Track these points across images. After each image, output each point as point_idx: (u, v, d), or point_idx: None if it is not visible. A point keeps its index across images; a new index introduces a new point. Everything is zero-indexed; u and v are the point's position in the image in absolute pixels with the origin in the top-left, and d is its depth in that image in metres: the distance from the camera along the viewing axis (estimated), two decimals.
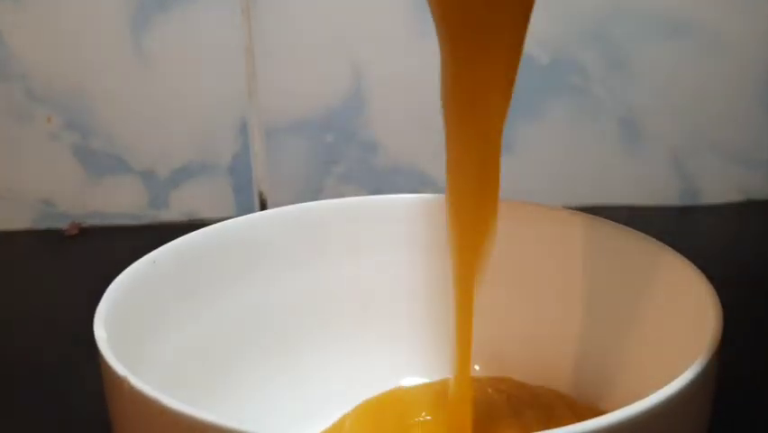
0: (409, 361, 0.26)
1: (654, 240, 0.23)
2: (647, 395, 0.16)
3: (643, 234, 0.23)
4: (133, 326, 0.21)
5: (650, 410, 0.16)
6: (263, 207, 0.40)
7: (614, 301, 0.23)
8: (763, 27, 0.38)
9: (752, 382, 0.27)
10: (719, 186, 0.40)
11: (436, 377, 0.25)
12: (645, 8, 0.38)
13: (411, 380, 0.26)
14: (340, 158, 0.40)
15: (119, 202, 0.40)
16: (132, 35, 0.38)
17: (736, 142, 0.40)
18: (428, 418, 0.23)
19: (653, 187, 0.40)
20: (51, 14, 0.37)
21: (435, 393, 0.24)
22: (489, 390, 0.24)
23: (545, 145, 0.40)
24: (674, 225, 0.38)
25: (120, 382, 0.17)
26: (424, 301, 0.26)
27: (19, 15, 0.37)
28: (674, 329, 0.21)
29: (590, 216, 0.24)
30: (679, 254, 0.22)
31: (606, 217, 0.24)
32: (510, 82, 0.20)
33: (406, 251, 0.26)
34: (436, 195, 0.26)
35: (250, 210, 0.40)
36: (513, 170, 0.40)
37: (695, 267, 0.21)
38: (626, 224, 0.24)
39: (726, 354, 0.18)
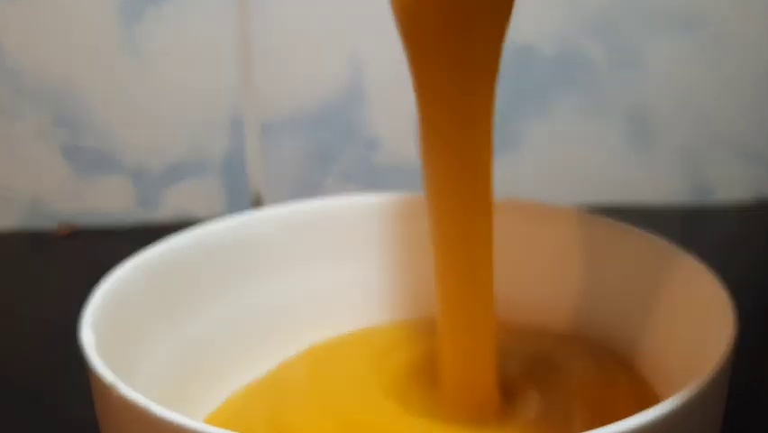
0: None
1: (666, 241, 0.22)
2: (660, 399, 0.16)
3: (654, 236, 0.23)
4: (123, 329, 0.21)
5: (664, 416, 0.15)
6: (258, 205, 0.40)
7: (624, 304, 0.23)
8: None
9: (765, 381, 0.26)
10: (731, 184, 0.40)
11: None
12: (655, 1, 0.38)
13: None
14: (338, 155, 0.39)
15: (109, 201, 0.40)
16: (123, 30, 0.38)
17: (748, 139, 0.40)
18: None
19: (663, 185, 0.40)
20: (40, 10, 0.37)
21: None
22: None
23: (551, 142, 0.40)
24: (685, 225, 0.38)
25: (108, 389, 0.17)
26: (424, 301, 0.25)
27: (7, 11, 0.37)
28: (687, 332, 0.21)
29: (598, 215, 0.24)
30: (691, 256, 0.21)
31: (614, 217, 0.24)
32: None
33: (406, 250, 0.26)
34: None
35: (244, 209, 0.39)
36: (519, 167, 0.40)
37: (707, 268, 0.21)
38: (634, 223, 0.23)
39: (739, 356, 0.18)
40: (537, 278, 0.25)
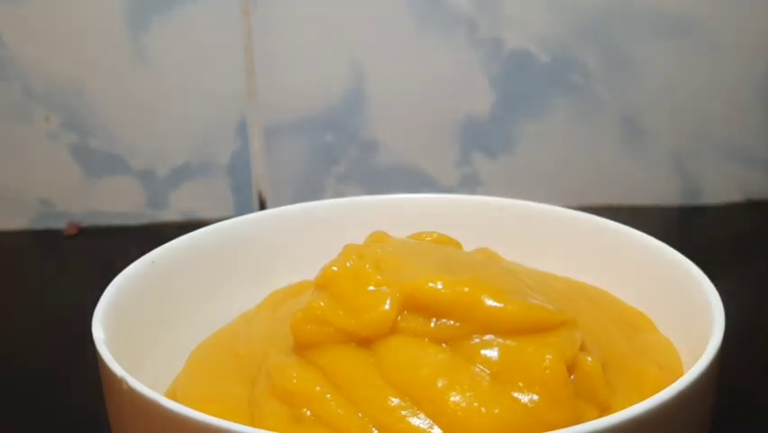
0: None
1: (656, 240, 0.23)
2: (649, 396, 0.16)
3: (644, 234, 0.23)
4: (132, 326, 0.21)
5: (653, 410, 0.16)
6: (262, 206, 0.40)
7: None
8: (764, 27, 0.38)
9: (753, 380, 0.26)
10: (720, 186, 0.40)
11: None
12: (646, 7, 0.38)
13: None
14: (340, 157, 0.39)
15: (117, 202, 0.40)
16: (131, 34, 0.38)
17: (736, 141, 0.40)
18: None
19: (654, 186, 0.40)
20: (50, 14, 0.37)
21: None
22: None
23: (546, 145, 0.40)
24: (675, 225, 0.38)
25: (118, 382, 0.17)
26: None
27: (18, 15, 0.37)
28: (676, 329, 0.21)
29: (591, 215, 0.24)
30: (680, 254, 0.22)
31: (606, 217, 0.24)
32: None
33: None
34: (436, 195, 0.26)
35: (249, 210, 0.40)
36: (513, 170, 0.40)
37: (697, 267, 0.21)
38: (626, 224, 0.24)
39: (727, 353, 0.18)
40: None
